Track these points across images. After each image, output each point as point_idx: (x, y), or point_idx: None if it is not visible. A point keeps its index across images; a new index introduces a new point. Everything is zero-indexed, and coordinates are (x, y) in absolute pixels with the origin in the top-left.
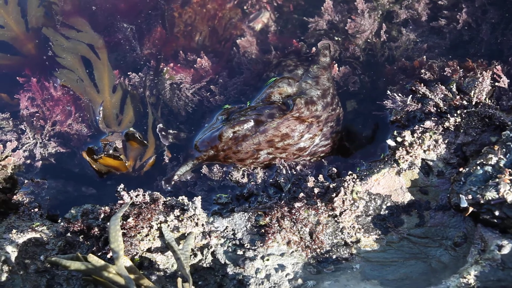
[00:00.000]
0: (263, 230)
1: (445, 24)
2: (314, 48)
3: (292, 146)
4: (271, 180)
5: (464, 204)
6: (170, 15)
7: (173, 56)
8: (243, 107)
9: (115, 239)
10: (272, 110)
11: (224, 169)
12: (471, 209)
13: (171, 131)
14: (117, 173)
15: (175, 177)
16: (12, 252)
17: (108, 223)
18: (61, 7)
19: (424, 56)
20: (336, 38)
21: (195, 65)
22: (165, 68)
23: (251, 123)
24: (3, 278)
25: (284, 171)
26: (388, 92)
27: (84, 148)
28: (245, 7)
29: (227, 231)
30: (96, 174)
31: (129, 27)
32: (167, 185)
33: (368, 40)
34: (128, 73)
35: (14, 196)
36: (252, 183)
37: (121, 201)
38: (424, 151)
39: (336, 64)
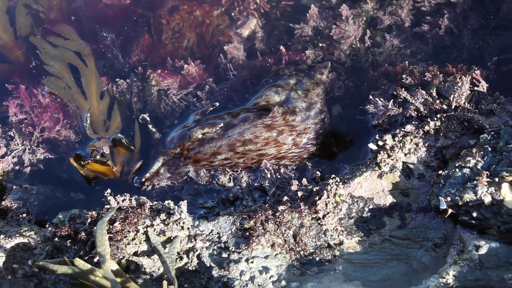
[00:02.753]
0: (247, 233)
1: (427, 30)
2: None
3: (252, 152)
4: (256, 184)
5: (443, 206)
6: (158, 22)
7: (161, 63)
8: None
9: (102, 243)
10: (248, 114)
11: (211, 173)
12: (450, 210)
13: (151, 126)
14: (104, 178)
15: (147, 175)
16: (0, 257)
17: (95, 228)
18: (48, 15)
19: (407, 62)
20: (321, 44)
21: (182, 72)
22: (151, 75)
23: (220, 125)
24: None
25: (269, 175)
26: (370, 97)
27: (72, 154)
28: (232, 14)
29: (212, 234)
30: (84, 180)
31: (109, 36)
32: (137, 181)
33: (353, 46)
34: (116, 79)
35: (3, 202)
36: (237, 187)
37: (108, 206)
38: (405, 155)
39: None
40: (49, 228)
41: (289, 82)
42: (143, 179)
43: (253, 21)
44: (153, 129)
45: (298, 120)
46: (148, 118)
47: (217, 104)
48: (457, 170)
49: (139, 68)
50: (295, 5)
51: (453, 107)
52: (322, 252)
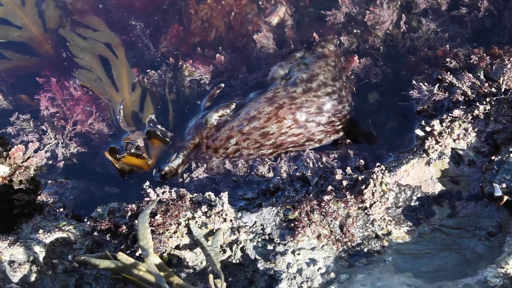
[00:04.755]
0: (292, 224)
1: (466, 13)
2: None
3: (256, 132)
4: (297, 174)
5: (498, 193)
6: (187, 12)
7: (191, 53)
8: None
9: (144, 236)
10: (256, 92)
11: (249, 163)
12: (506, 197)
13: (159, 126)
14: (140, 171)
15: (166, 168)
16: (40, 252)
17: (136, 221)
18: (76, 6)
19: (447, 45)
20: (355, 31)
21: (213, 61)
22: (184, 65)
23: (233, 106)
24: (33, 278)
25: (311, 164)
26: (414, 82)
27: (106, 147)
28: (260, 3)
29: (255, 226)
30: (119, 173)
31: (138, 25)
32: (157, 174)
33: (388, 31)
34: (147, 70)
35: (38, 197)
36: (277, 177)
37: (147, 199)
38: (454, 140)
39: (356, 56)
40: (88, 222)
41: (295, 55)
42: (163, 173)
43: (282, 9)
44: (163, 129)
45: (299, 91)
46: (155, 119)
47: (223, 85)
48: (511, 155)
49: (170, 58)
50: None
51: (502, 90)
52: (370, 242)
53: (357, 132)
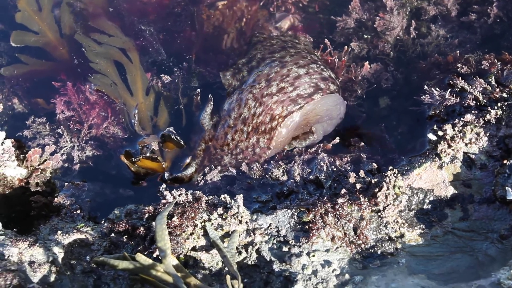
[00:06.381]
0: (307, 227)
1: (475, 19)
2: (346, 47)
3: (237, 121)
4: (311, 177)
5: (510, 196)
6: (199, 17)
7: (204, 58)
8: None
9: (162, 238)
10: None
11: (264, 166)
12: None
13: (174, 137)
14: (155, 174)
15: (178, 174)
16: (59, 253)
17: (154, 223)
18: (90, 12)
19: (458, 51)
20: (365, 36)
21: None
22: (197, 70)
23: (211, 100)
24: (52, 278)
25: (324, 168)
26: (426, 87)
27: (121, 151)
28: (271, 9)
29: (271, 228)
30: (134, 177)
31: (147, 29)
32: (165, 177)
33: (398, 37)
34: (161, 75)
35: (55, 199)
36: (291, 180)
37: (164, 201)
38: (466, 145)
39: (367, 62)
40: (106, 224)
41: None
42: (171, 177)
43: (292, 15)
44: (178, 138)
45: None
46: (173, 131)
47: (199, 90)
48: None
49: (184, 63)
50: None
51: None
52: (383, 245)
53: (369, 135)
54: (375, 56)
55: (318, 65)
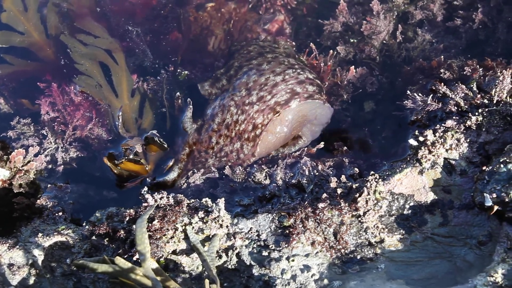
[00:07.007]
0: (287, 231)
1: (460, 24)
2: (331, 51)
3: (221, 126)
4: (293, 181)
5: (489, 203)
6: (186, 19)
7: (190, 60)
8: None
9: (142, 241)
10: None
11: (247, 169)
12: (496, 207)
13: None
14: (138, 177)
15: (161, 179)
16: (39, 255)
17: (134, 226)
18: (77, 13)
19: (442, 56)
20: (352, 40)
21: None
22: (182, 72)
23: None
24: (31, 281)
25: (307, 172)
26: (408, 92)
27: (105, 153)
28: (260, 11)
29: (251, 232)
30: (117, 179)
31: (134, 30)
32: (147, 182)
33: (384, 41)
34: (147, 77)
35: (38, 201)
36: (273, 184)
37: (145, 204)
38: (446, 150)
39: (353, 66)
40: (87, 226)
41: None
42: (153, 182)
43: (280, 17)
44: (161, 141)
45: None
46: (157, 134)
47: (179, 93)
48: (501, 165)
49: (170, 65)
50: (322, 1)
51: (494, 101)
52: (363, 250)
53: (353, 140)
54: (361, 60)
55: (294, 70)
